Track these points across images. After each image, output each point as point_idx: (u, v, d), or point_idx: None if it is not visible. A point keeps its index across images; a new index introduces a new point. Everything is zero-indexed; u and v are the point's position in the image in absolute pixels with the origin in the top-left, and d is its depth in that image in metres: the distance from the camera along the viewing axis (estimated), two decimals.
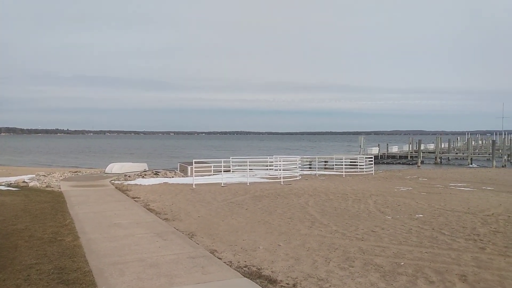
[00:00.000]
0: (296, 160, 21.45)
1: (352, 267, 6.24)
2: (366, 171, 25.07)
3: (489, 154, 45.01)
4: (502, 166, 37.54)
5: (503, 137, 60.03)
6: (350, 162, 27.45)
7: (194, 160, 18.15)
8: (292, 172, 20.16)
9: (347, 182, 19.20)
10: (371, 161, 25.95)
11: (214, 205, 12.16)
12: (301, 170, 23.27)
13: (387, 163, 44.60)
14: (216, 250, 7.06)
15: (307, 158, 33.64)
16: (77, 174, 22.38)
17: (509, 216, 10.45)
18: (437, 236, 8.27)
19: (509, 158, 45.76)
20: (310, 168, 31.57)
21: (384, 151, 50.29)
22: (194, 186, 16.45)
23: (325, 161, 34.77)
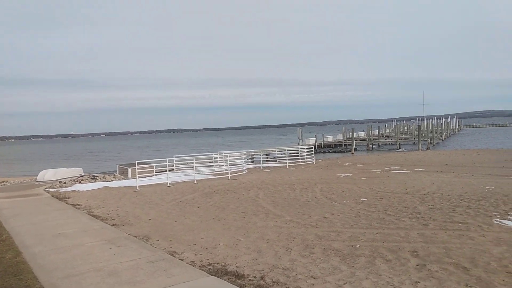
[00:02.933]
0: (241, 155, 21.53)
1: (313, 253, 6.42)
2: (307, 161, 25.88)
3: (414, 139, 48.74)
4: (427, 149, 40.88)
5: (425, 122, 65.26)
6: (292, 153, 28.19)
7: (137, 161, 17.43)
8: (239, 166, 20.21)
9: (292, 173, 19.68)
10: (312, 151, 26.85)
11: (163, 206, 11.81)
12: (246, 164, 23.41)
13: (324, 152, 46.45)
14: (175, 252, 6.86)
15: (251, 152, 33.90)
16: (4, 185, 20.47)
17: (442, 194, 11.41)
18: (384, 217, 8.79)
19: (432, 141, 49.89)
20: (253, 161, 31.88)
21: (320, 141, 52.30)
22: (138, 188, 15.84)
23: (267, 154, 35.33)
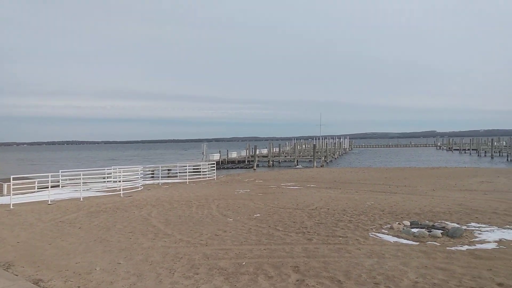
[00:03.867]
0: (137, 170, 20.46)
1: (197, 274, 6.19)
2: (209, 177, 25.69)
3: (310, 156, 51.83)
4: (321, 166, 43.74)
5: (321, 141, 70.07)
6: (194, 168, 27.76)
7: (12, 176, 15.40)
8: (134, 182, 19.14)
9: (191, 189, 19.27)
10: (213, 167, 26.76)
11: (38, 226, 10.51)
12: (143, 180, 22.31)
13: (228, 168, 46.79)
14: (41, 280, 6.05)
15: (149, 167, 32.51)
16: None
17: (328, 209, 12.12)
18: (273, 233, 8.96)
19: (326, 159, 53.59)
20: (152, 177, 30.61)
21: (225, 157, 52.68)
22: (12, 207, 13.95)
23: (168, 169, 34.29)
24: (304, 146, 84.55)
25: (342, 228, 9.32)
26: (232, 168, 47.41)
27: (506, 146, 67.16)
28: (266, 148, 63.58)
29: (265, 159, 52.96)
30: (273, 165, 50.32)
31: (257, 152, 49.76)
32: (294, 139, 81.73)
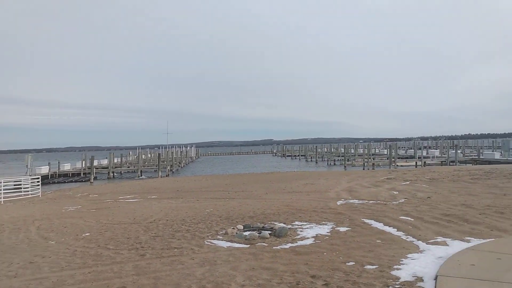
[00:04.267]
0: None
1: None
2: (32, 194, 22.30)
3: (156, 166, 50.50)
4: (166, 176, 43.04)
5: (167, 150, 69.06)
6: (14, 185, 23.72)
7: None
8: None
9: (6, 210, 16.33)
10: (38, 182, 23.38)
11: None
12: None
13: (59, 182, 41.77)
14: None
15: None
16: None
17: (167, 220, 11.82)
18: (102, 253, 8.17)
19: (172, 168, 53.06)
20: None
21: (56, 169, 46.91)
22: None
23: None
24: (150, 155, 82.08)
25: (178, 239, 9.15)
26: (65, 182, 42.52)
27: (327, 152, 78.49)
28: (106, 158, 59.31)
29: (106, 170, 49.26)
30: (113, 176, 47.16)
31: (96, 163, 45.90)
32: (138, 148, 78.55)
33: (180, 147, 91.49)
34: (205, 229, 10.21)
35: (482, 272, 5.54)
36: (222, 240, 8.86)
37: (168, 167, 49.07)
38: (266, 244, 8.30)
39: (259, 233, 9.09)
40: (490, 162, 39.21)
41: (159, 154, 49.25)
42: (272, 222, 10.61)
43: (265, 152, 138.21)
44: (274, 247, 8.02)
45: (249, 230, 9.55)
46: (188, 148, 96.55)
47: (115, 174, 48.53)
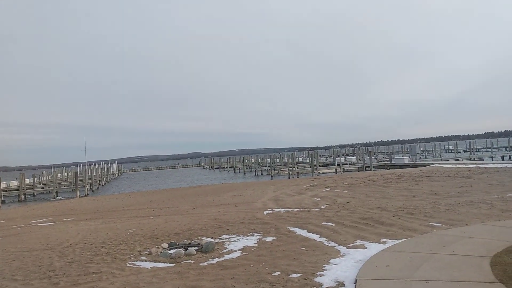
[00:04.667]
0: None
1: None
2: None
3: (73, 185, 47.03)
4: (85, 195, 40.25)
5: (85, 168, 64.78)
6: None
7: None
8: None
9: None
10: None
11: None
12: None
13: None
14: None
15: None
16: None
17: (85, 243, 10.99)
18: (7, 285, 7.31)
19: (91, 187, 49.82)
20: None
21: None
22: None
23: None
24: (66, 174, 76.42)
25: (97, 263, 8.52)
26: None
27: (254, 163, 79.70)
28: (16, 179, 53.88)
29: (16, 192, 44.68)
30: (25, 199, 42.94)
31: (4, 185, 41.45)
32: (53, 167, 72.70)
33: (100, 164, 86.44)
34: (127, 250, 9.66)
35: (396, 272, 5.94)
36: (145, 260, 8.44)
37: (87, 186, 45.95)
38: (193, 261, 8.08)
39: (185, 250, 8.84)
40: (400, 166, 42.80)
41: (76, 172, 45.96)
42: (199, 238, 10.39)
43: (193, 166, 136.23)
44: (200, 264, 7.83)
45: (174, 248, 9.24)
46: (109, 164, 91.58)
47: (27, 196, 44.20)
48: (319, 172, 47.37)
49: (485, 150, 71.45)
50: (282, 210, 14.74)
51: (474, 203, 12.91)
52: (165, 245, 9.59)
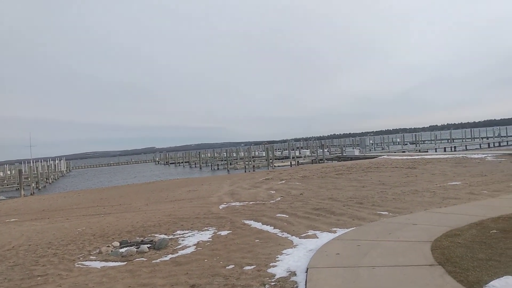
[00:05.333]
0: None
1: None
2: None
3: (17, 184, 44.32)
4: (31, 194, 38.05)
5: (31, 165, 61.17)
6: None
7: None
8: None
9: None
10: None
11: None
12: None
13: None
14: None
15: None
16: None
17: (30, 245, 10.41)
18: None
19: (38, 186, 47.19)
20: None
21: None
22: None
23: None
24: (9, 172, 71.81)
25: (43, 265, 8.11)
26: None
27: (210, 158, 79.18)
28: None
29: None
30: None
31: None
32: None
33: (47, 161, 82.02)
34: (76, 250, 9.28)
35: (345, 259, 6.16)
36: (95, 260, 8.15)
37: (33, 185, 43.43)
38: (145, 259, 7.91)
39: (138, 248, 8.63)
40: (351, 158, 44.35)
41: (20, 170, 43.26)
42: (153, 235, 10.19)
43: (147, 161, 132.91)
44: (153, 261, 7.69)
45: (126, 246, 8.99)
46: (56, 161, 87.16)
47: None
48: (274, 165, 47.98)
49: (429, 142, 75.68)
50: (237, 203, 14.79)
51: (419, 191, 13.67)
52: (116, 243, 9.30)
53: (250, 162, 53.96)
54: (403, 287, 4.84)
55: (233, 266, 6.70)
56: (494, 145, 58.52)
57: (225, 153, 67.22)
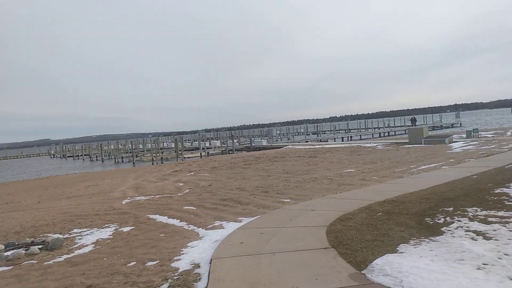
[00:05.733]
0: None
1: None
2: None
3: None
4: None
5: None
6: None
7: None
8: None
9: None
10: None
11: None
12: None
13: None
14: None
15: None
16: None
17: None
18: None
19: None
20: None
21: None
22: None
23: None
24: None
25: None
26: None
27: (114, 150, 74.78)
28: None
29: None
30: None
31: None
32: None
33: None
34: None
35: (249, 248, 6.33)
36: None
37: None
38: (36, 261, 7.21)
39: (27, 250, 7.82)
40: (259, 148, 45.67)
41: None
42: (45, 235, 9.32)
43: (41, 154, 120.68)
44: (45, 263, 7.03)
45: (13, 249, 8.09)
46: None
47: None
48: (184, 157, 47.23)
49: (329, 132, 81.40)
50: (143, 198, 14.24)
51: (318, 179, 14.62)
52: (1, 246, 8.31)
53: (158, 154, 52.34)
54: (299, 270, 5.14)
55: (135, 263, 6.44)
56: (384, 134, 65.09)
57: (130, 145, 64.12)
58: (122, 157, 62.00)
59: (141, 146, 70.39)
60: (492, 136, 30.65)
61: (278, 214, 8.90)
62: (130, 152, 60.19)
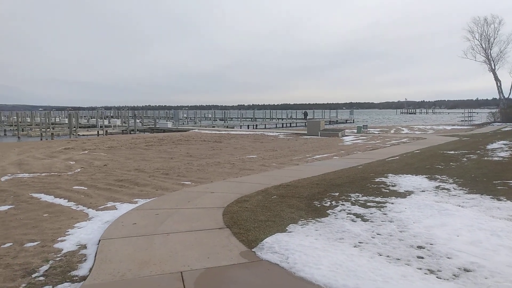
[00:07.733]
0: None
1: None
2: None
3: None
4: None
5: None
6: None
7: None
8: None
9: None
10: None
11: None
12: None
13: None
14: None
15: None
16: None
17: None
18: None
19: None
20: None
21: None
22: None
23: None
24: None
25: None
26: None
27: None
28: None
29: None
30: None
31: None
32: None
33: None
34: None
35: (142, 228, 6.15)
36: None
37: None
38: None
39: None
40: (164, 130, 44.40)
41: None
42: None
43: None
44: None
45: None
46: None
47: None
48: (78, 134, 43.71)
49: (236, 119, 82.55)
50: (26, 175, 12.86)
51: (221, 163, 14.77)
52: None
53: (49, 129, 47.60)
54: (192, 249, 5.16)
55: (11, 244, 5.81)
56: (286, 125, 68.24)
57: (15, 117, 57.12)
58: (5, 130, 55.01)
59: (28, 120, 63.32)
60: (379, 133, 34.24)
61: (177, 195, 8.79)
62: (15, 125, 53.71)
